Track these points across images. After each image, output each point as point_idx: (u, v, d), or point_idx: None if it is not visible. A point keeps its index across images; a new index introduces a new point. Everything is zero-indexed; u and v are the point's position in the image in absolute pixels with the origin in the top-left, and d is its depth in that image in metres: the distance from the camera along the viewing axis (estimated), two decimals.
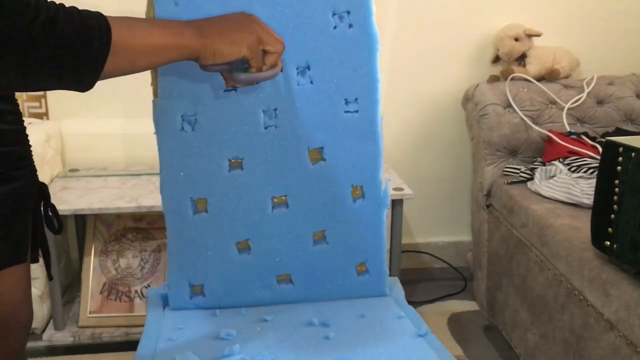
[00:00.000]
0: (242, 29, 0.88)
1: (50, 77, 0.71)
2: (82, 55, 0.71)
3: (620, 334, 1.25)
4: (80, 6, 0.74)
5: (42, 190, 1.00)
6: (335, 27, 1.07)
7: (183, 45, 0.82)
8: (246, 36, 0.88)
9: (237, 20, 0.90)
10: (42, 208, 1.01)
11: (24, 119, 0.98)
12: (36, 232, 1.00)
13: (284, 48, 0.94)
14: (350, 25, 1.07)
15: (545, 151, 1.90)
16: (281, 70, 0.99)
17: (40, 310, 1.88)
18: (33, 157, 0.99)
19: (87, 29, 0.70)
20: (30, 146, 0.98)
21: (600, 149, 1.74)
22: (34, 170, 0.99)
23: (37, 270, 1.82)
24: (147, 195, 1.88)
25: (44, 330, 1.90)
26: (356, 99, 1.10)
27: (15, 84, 0.73)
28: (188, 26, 0.84)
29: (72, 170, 2.10)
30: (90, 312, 1.92)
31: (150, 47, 0.79)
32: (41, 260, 1.04)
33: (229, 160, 1.10)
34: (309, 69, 1.08)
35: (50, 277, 1.08)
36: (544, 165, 1.84)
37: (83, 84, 0.74)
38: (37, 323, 1.88)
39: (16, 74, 0.69)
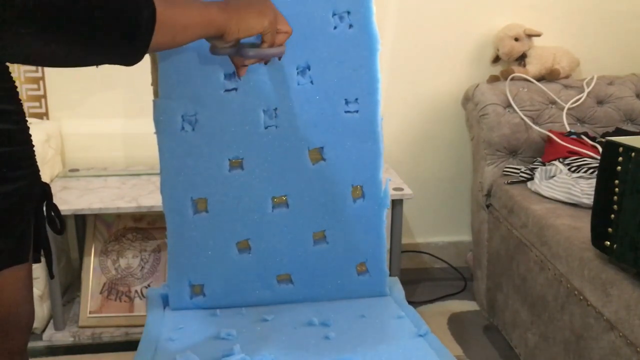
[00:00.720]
0: (262, 3, 0.92)
1: (100, 50, 0.71)
2: (132, 26, 0.71)
3: (620, 334, 1.25)
4: None
5: (45, 191, 1.00)
6: (335, 27, 1.07)
7: (212, 20, 0.84)
8: (268, 10, 0.91)
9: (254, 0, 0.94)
10: (44, 208, 1.01)
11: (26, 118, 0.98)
12: (38, 233, 1.00)
13: (292, 30, 0.97)
14: (351, 26, 1.07)
15: (545, 151, 1.90)
16: (284, 53, 1.02)
17: (40, 310, 1.88)
18: (36, 157, 0.99)
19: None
20: (34, 146, 0.98)
21: (600, 149, 1.74)
22: (36, 171, 0.98)
23: (37, 270, 1.82)
24: (147, 195, 1.88)
25: (44, 330, 1.90)
26: (356, 99, 1.10)
27: (64, 58, 0.72)
28: (213, 3, 0.86)
29: (72, 170, 2.10)
30: (90, 312, 1.92)
31: (188, 22, 0.80)
32: (42, 259, 1.04)
33: (229, 160, 1.10)
34: (309, 69, 1.08)
35: (51, 275, 1.08)
36: (544, 165, 1.84)
37: (131, 56, 0.74)
38: (37, 323, 1.88)
39: (66, 48, 0.68)
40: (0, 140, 0.90)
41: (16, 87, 0.95)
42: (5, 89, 0.92)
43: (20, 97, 0.96)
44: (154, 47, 0.75)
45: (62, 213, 1.59)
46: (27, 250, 0.98)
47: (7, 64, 0.93)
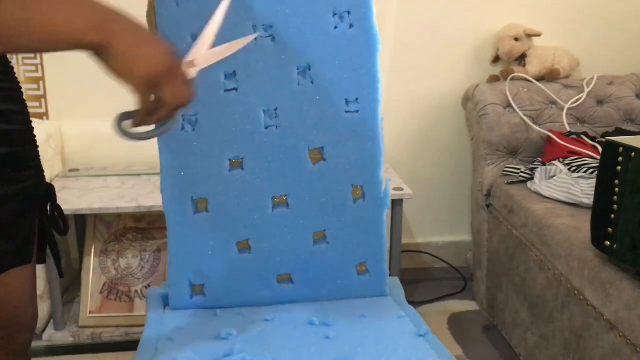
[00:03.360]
0: (159, 46, 0.74)
1: None
2: None
3: (620, 334, 1.25)
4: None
5: (49, 191, 1.00)
6: (335, 28, 1.07)
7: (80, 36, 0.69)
8: (161, 63, 0.73)
9: (154, 41, 0.75)
10: (49, 209, 1.01)
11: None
12: (43, 234, 1.00)
13: (187, 103, 0.78)
14: (351, 26, 1.07)
15: (545, 151, 1.90)
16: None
17: (40, 310, 1.87)
18: (40, 158, 0.99)
19: None
20: (38, 147, 0.98)
21: (600, 149, 1.74)
22: (41, 171, 0.98)
23: (38, 270, 1.82)
24: (147, 195, 1.88)
25: (44, 330, 1.90)
26: (356, 99, 1.10)
27: None
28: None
29: (72, 170, 2.10)
30: (90, 312, 1.92)
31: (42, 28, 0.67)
32: (48, 260, 1.04)
33: (229, 160, 1.10)
34: (309, 69, 1.08)
35: (61, 274, 1.08)
36: (544, 165, 1.84)
37: None
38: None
39: None
40: (6, 140, 0.90)
41: (21, 87, 0.95)
42: (10, 89, 0.92)
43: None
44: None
45: None
46: (31, 251, 0.98)
47: (12, 65, 0.93)
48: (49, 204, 1.00)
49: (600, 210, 1.29)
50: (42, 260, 1.02)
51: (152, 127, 0.83)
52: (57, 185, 1.95)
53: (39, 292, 1.86)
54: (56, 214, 1.02)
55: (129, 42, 0.71)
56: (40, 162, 0.98)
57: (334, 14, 1.06)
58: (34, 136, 0.97)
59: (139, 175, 2.07)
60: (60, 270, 1.07)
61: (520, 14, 2.18)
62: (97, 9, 0.70)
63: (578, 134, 1.88)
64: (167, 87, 0.75)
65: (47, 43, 0.68)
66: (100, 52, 0.70)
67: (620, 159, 1.23)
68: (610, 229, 1.26)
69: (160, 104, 0.76)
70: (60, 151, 2.11)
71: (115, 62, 0.71)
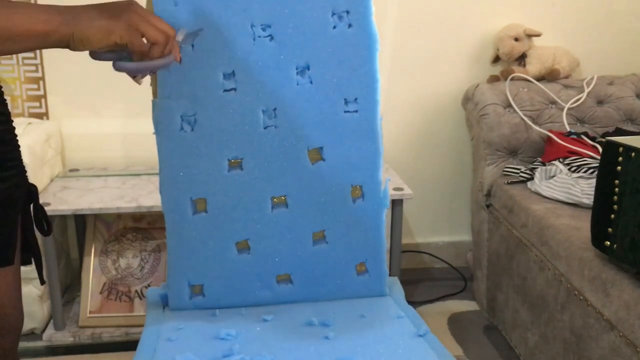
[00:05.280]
0: (115, 17, 0.83)
1: None
2: None
3: (620, 334, 1.25)
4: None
5: (31, 192, 0.98)
6: (334, 27, 1.07)
7: (49, 31, 0.79)
8: (116, 24, 0.82)
9: (112, 7, 0.85)
10: (31, 210, 0.99)
11: (24, 118, 0.97)
12: (26, 235, 0.99)
13: (167, 38, 0.88)
14: (350, 25, 1.07)
15: (545, 151, 1.90)
16: (178, 61, 0.95)
17: (40, 310, 1.88)
18: (22, 158, 0.96)
19: None
20: (19, 147, 0.96)
21: (600, 149, 1.74)
22: (23, 172, 0.96)
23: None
24: (147, 195, 1.88)
25: (44, 330, 1.90)
26: (356, 98, 1.10)
27: None
28: (58, 13, 0.80)
29: (72, 170, 2.10)
30: (90, 312, 1.92)
31: (12, 32, 0.76)
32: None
33: (228, 160, 1.10)
34: (308, 69, 1.08)
35: (42, 281, 1.05)
36: (544, 165, 1.84)
37: None
38: (37, 323, 1.88)
39: None
40: None
41: (1, 87, 0.93)
42: None
43: (19, 96, 0.95)
44: None
45: (62, 213, 1.57)
46: (12, 252, 0.95)
47: None
48: (31, 205, 0.98)
49: (600, 210, 1.29)
50: (25, 262, 1.00)
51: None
52: (57, 185, 1.95)
53: (39, 292, 1.86)
54: (39, 215, 1.00)
55: (93, 16, 0.82)
56: (21, 163, 0.96)
57: (333, 14, 1.06)
58: (15, 136, 0.95)
59: (139, 175, 2.07)
60: (41, 276, 1.04)
61: (520, 14, 2.18)
62: (55, 9, 0.80)
63: (578, 134, 1.88)
64: (145, 27, 0.85)
65: (25, 45, 0.78)
66: (70, 37, 0.80)
67: (620, 159, 1.23)
68: (610, 229, 1.26)
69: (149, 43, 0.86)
70: (60, 151, 2.11)
71: (86, 37, 0.81)
